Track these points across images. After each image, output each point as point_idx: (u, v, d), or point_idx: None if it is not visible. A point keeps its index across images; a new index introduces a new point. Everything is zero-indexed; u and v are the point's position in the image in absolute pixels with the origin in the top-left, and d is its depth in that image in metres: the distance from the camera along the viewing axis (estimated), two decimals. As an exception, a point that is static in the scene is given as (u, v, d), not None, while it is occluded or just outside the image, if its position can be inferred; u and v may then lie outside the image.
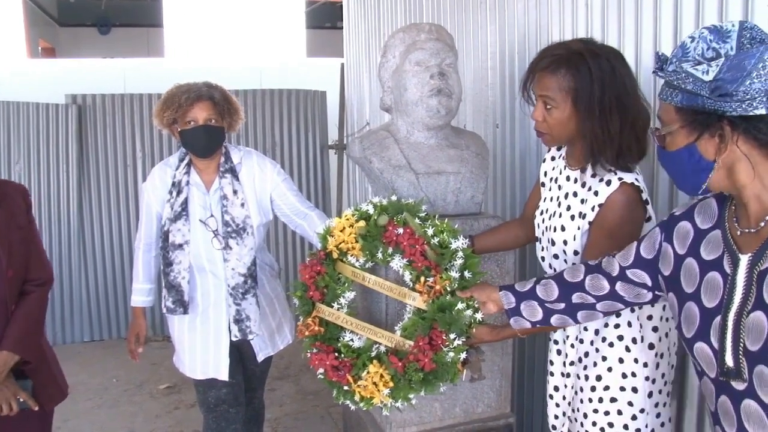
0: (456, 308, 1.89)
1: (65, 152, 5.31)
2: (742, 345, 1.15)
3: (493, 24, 3.18)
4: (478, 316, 1.90)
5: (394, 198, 2.08)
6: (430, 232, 1.98)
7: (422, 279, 1.96)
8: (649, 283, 1.46)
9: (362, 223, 2.06)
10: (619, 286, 1.53)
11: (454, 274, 1.93)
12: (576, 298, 1.61)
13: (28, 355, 2.10)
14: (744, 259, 1.19)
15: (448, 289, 1.92)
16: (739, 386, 1.17)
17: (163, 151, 5.42)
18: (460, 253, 1.95)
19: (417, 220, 2.00)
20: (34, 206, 2.27)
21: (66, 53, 13.93)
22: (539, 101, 1.82)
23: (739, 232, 1.23)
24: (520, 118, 2.98)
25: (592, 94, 1.72)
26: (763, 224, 1.18)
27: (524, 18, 2.92)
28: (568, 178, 1.91)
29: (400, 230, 1.99)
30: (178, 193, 2.53)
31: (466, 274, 1.93)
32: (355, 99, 5.46)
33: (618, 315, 1.83)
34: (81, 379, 4.53)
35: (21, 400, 2.08)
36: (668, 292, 1.38)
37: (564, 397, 1.98)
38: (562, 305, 1.64)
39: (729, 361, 1.18)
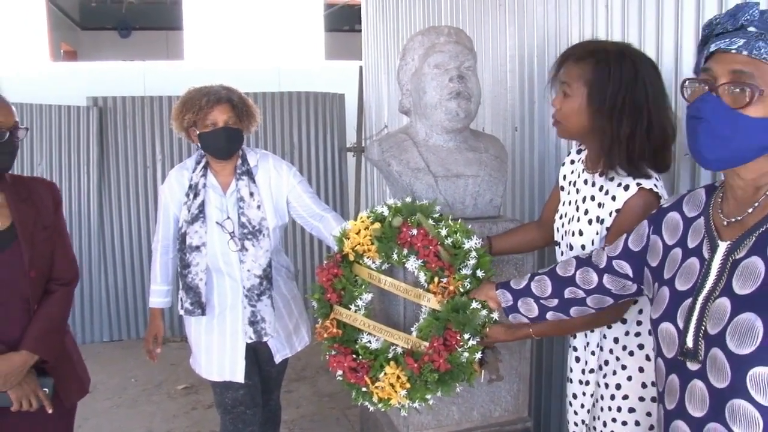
0: (470, 308, 1.89)
1: (86, 153, 5.37)
2: (703, 328, 1.17)
3: (512, 26, 3.17)
4: (494, 315, 1.90)
5: (408, 199, 2.08)
6: (443, 232, 1.98)
7: (436, 280, 1.96)
8: (631, 275, 1.49)
9: (377, 225, 2.07)
10: (606, 278, 1.55)
11: (467, 272, 1.93)
12: (568, 293, 1.63)
13: (47, 354, 2.12)
14: (722, 246, 1.21)
15: (462, 289, 1.92)
16: (693, 367, 1.19)
17: (182, 152, 5.46)
18: (473, 253, 1.95)
19: (430, 221, 2.01)
20: (57, 205, 2.29)
21: (87, 56, 14.06)
22: (560, 89, 1.83)
23: (725, 222, 1.23)
24: (539, 121, 2.97)
25: (606, 91, 1.72)
26: (750, 210, 1.18)
27: (543, 20, 2.91)
28: (586, 182, 1.90)
29: (414, 231, 1.99)
30: (195, 195, 2.54)
31: (479, 273, 1.93)
32: (373, 102, 5.46)
33: (639, 323, 1.81)
34: (100, 379, 4.57)
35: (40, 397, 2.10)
36: (654, 283, 1.39)
37: (582, 405, 1.96)
38: (555, 301, 1.67)
39: (689, 342, 1.20)
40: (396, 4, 4.71)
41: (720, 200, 1.28)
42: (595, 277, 1.57)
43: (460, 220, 2.03)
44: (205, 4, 9.03)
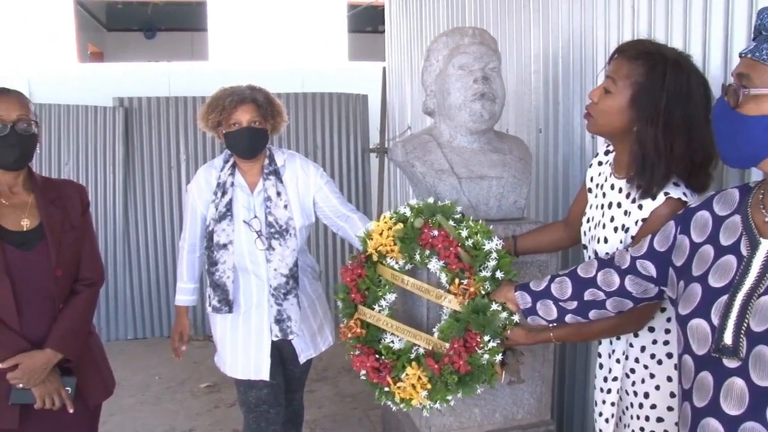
0: (490, 310, 1.89)
1: (112, 153, 5.42)
2: (745, 325, 1.16)
3: (536, 27, 3.15)
4: (515, 318, 1.89)
5: (430, 200, 2.08)
6: (464, 233, 1.97)
7: (456, 281, 1.96)
8: (655, 276, 1.47)
9: (400, 226, 2.07)
10: (628, 281, 1.53)
11: (487, 275, 1.92)
12: (588, 295, 1.62)
13: (71, 353, 2.15)
14: (765, 243, 1.20)
15: (483, 291, 1.92)
16: (731, 364, 1.17)
17: (206, 153, 5.50)
18: (494, 254, 1.94)
19: (451, 222, 2.00)
20: (82, 206, 2.33)
21: (113, 57, 14.21)
22: (603, 82, 1.77)
23: (767, 219, 1.23)
24: (564, 122, 2.96)
25: (658, 101, 1.65)
26: None
27: (568, 21, 2.89)
28: (612, 187, 1.85)
29: (435, 232, 1.99)
30: (223, 193, 2.56)
31: (498, 274, 1.93)
32: (396, 102, 5.46)
33: (668, 332, 1.77)
34: (124, 376, 4.61)
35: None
36: (679, 281, 1.37)
37: (601, 413, 1.94)
38: (575, 304, 1.65)
39: (728, 339, 1.18)
40: (420, 5, 4.70)
41: (762, 196, 1.26)
42: (616, 279, 1.55)
43: (481, 221, 2.02)
44: (229, 6, 9.08)
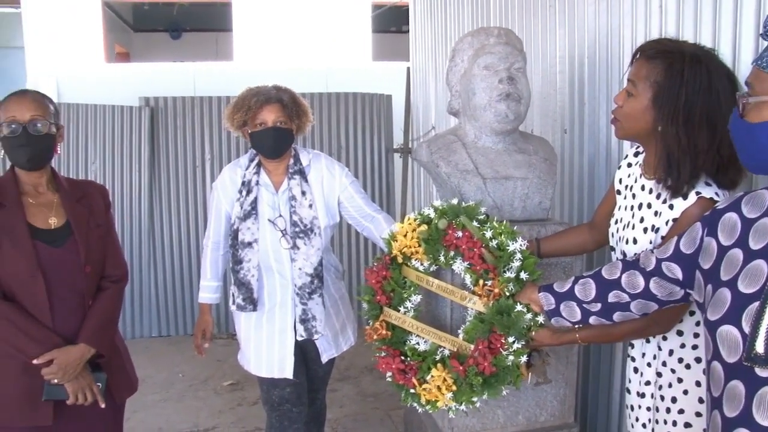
0: (514, 312, 1.88)
1: (138, 153, 5.48)
2: None
3: (562, 27, 3.13)
4: (540, 319, 1.88)
5: (454, 201, 2.08)
6: (488, 234, 1.96)
7: (481, 282, 1.95)
8: (681, 278, 1.44)
9: (424, 227, 2.07)
10: (653, 283, 1.51)
11: (511, 276, 1.91)
12: (612, 297, 1.60)
13: (103, 348, 2.18)
14: None
15: (507, 292, 1.91)
16: (764, 373, 1.14)
17: (230, 152, 5.53)
18: (518, 255, 1.93)
19: (475, 223, 1.99)
20: (109, 204, 2.36)
21: (139, 57, 14.35)
22: (626, 86, 1.76)
23: None
24: (590, 123, 2.93)
25: (677, 98, 1.64)
26: None
27: (594, 21, 2.87)
28: (643, 188, 1.83)
29: (459, 234, 1.99)
30: (248, 192, 2.58)
31: (523, 275, 1.92)
32: (420, 103, 5.46)
33: (697, 336, 1.75)
34: (148, 373, 4.65)
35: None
36: (707, 285, 1.34)
37: (638, 419, 1.91)
38: (598, 306, 1.63)
39: (760, 347, 1.15)
40: (444, 5, 4.70)
41: None
42: (641, 281, 1.53)
43: (505, 222, 2.01)
44: (254, 7, 9.13)
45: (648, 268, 1.52)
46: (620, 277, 1.58)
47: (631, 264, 1.58)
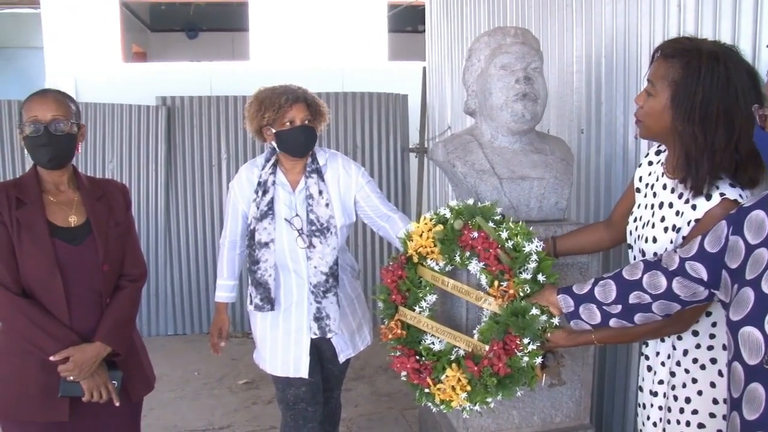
0: (529, 314, 1.87)
1: (154, 152, 5.51)
2: None
3: (579, 27, 3.12)
4: (555, 320, 1.88)
5: (470, 201, 2.07)
6: (504, 235, 1.96)
7: (496, 283, 1.95)
8: (705, 279, 1.42)
9: (440, 227, 2.07)
10: (676, 283, 1.49)
11: (527, 277, 1.90)
12: (633, 298, 1.57)
13: (119, 347, 2.19)
14: None
15: (522, 293, 1.90)
16: None
17: (247, 152, 5.56)
18: (534, 257, 1.92)
19: (491, 224, 1.99)
20: (125, 203, 2.38)
21: (156, 57, 14.43)
22: (646, 86, 1.76)
23: None
24: (606, 123, 2.92)
25: (694, 95, 1.64)
26: None
27: (612, 20, 2.85)
28: (664, 187, 1.82)
29: (475, 234, 1.98)
30: (264, 192, 2.58)
31: (540, 278, 1.91)
32: (436, 102, 5.45)
33: (713, 336, 1.74)
34: (164, 371, 4.68)
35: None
36: (733, 285, 1.33)
37: (649, 417, 1.90)
38: (619, 308, 1.61)
39: None
40: (460, 4, 4.69)
41: None
42: (663, 282, 1.51)
43: (521, 223, 2.01)
44: (270, 6, 9.14)
45: (671, 268, 1.50)
46: (641, 278, 1.56)
47: (652, 264, 1.56)
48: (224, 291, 2.81)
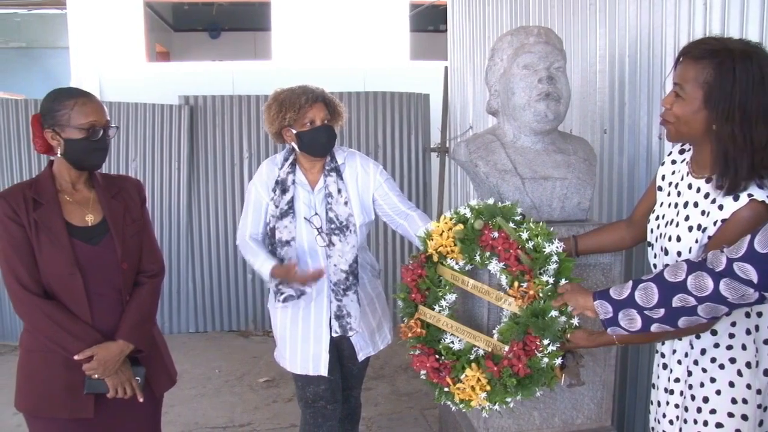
0: (549, 316, 1.86)
1: (177, 150, 5.56)
2: None
3: (602, 26, 3.10)
4: (574, 321, 1.87)
5: (490, 201, 2.07)
6: (524, 235, 1.95)
7: (516, 284, 1.94)
8: (755, 280, 1.37)
9: (460, 227, 2.06)
10: (723, 285, 1.44)
11: (548, 279, 1.89)
12: (677, 301, 1.52)
13: (141, 344, 2.21)
14: None
15: (541, 294, 1.89)
16: None
17: (268, 150, 5.58)
18: (555, 257, 1.91)
19: (511, 224, 1.98)
20: (147, 201, 2.40)
21: (179, 57, 14.55)
22: (673, 88, 1.74)
23: None
24: (630, 123, 2.89)
25: (731, 96, 1.62)
26: None
27: (636, 19, 2.83)
28: (690, 186, 1.80)
29: (495, 234, 1.98)
30: (283, 191, 2.59)
31: (562, 282, 1.90)
32: (458, 102, 5.44)
33: (732, 336, 1.72)
34: (185, 368, 4.72)
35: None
36: None
37: (665, 415, 1.89)
38: (662, 312, 1.56)
39: None
40: (483, 4, 4.67)
41: None
42: (710, 283, 1.46)
43: (542, 223, 2.00)
44: (292, 6, 9.18)
45: (717, 269, 1.45)
46: (686, 280, 1.50)
47: (697, 265, 1.50)
48: (268, 260, 2.56)
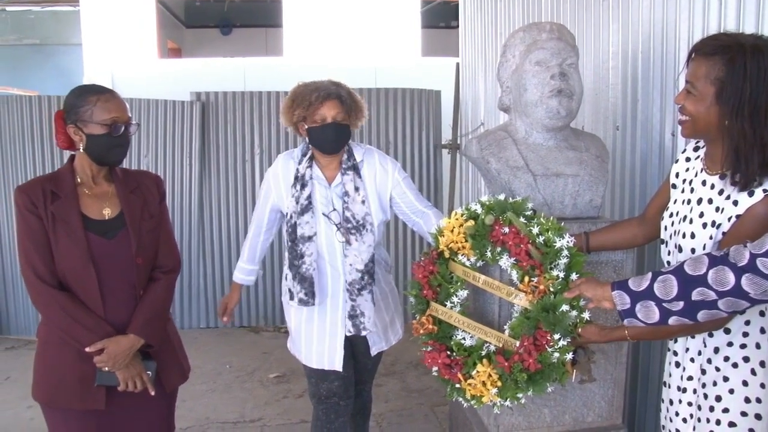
0: (559, 311, 1.86)
1: (189, 146, 5.57)
2: None
3: (615, 22, 3.08)
4: (585, 315, 1.86)
5: (501, 197, 2.06)
6: (535, 230, 1.95)
7: (526, 279, 1.94)
8: None
9: (471, 223, 2.06)
10: (745, 279, 1.43)
11: (558, 274, 1.89)
12: (696, 294, 1.51)
13: (152, 339, 2.22)
14: None
15: (552, 288, 1.89)
16: None
17: (280, 146, 5.58)
18: (565, 252, 1.91)
19: (522, 219, 1.98)
20: (159, 196, 2.42)
21: (191, 53, 14.61)
22: (685, 85, 1.73)
23: None
24: (642, 120, 2.88)
25: (742, 91, 1.61)
26: None
27: (649, 15, 2.81)
28: (704, 183, 1.79)
29: (506, 229, 1.98)
30: (302, 186, 2.59)
31: (573, 276, 1.89)
32: (469, 98, 5.43)
33: (746, 335, 1.71)
34: (197, 363, 4.70)
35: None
36: None
37: (678, 413, 1.88)
38: (681, 304, 1.55)
39: None
40: (494, 0, 4.65)
41: None
42: (731, 278, 1.44)
43: (552, 218, 1.99)
44: (304, 2, 9.19)
45: (740, 264, 1.44)
46: (706, 273, 1.49)
47: (719, 259, 1.49)
48: (241, 273, 2.90)
